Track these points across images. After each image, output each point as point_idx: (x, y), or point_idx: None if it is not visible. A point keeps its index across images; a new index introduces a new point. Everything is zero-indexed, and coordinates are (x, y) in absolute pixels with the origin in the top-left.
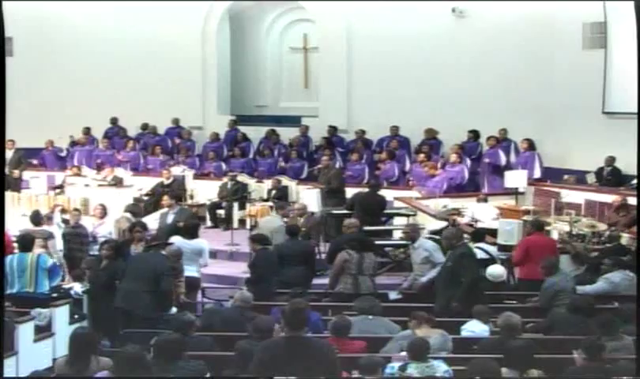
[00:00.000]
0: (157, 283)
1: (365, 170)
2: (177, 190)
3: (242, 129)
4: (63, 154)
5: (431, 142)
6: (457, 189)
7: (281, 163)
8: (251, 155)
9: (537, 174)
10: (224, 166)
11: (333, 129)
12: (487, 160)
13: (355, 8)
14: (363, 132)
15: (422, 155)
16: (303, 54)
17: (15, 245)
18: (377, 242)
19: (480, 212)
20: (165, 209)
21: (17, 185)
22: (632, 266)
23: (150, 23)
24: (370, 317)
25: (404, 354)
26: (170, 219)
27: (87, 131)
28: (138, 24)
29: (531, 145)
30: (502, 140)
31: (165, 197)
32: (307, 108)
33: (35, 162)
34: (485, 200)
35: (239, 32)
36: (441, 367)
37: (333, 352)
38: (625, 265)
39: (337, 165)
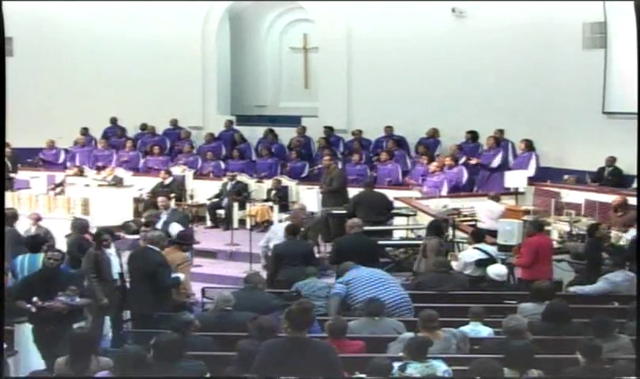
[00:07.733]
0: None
1: (366, 171)
2: (176, 190)
3: (242, 129)
4: (60, 160)
5: (429, 141)
6: (454, 190)
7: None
8: (250, 157)
9: (531, 172)
10: (222, 165)
11: (329, 130)
12: (475, 161)
13: (355, 8)
14: (360, 132)
15: (424, 156)
16: (303, 54)
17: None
18: (378, 242)
19: (488, 208)
20: (157, 210)
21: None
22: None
23: (150, 23)
24: (377, 318)
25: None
26: (163, 219)
27: (85, 131)
28: (138, 24)
29: (529, 146)
30: (500, 141)
31: (161, 198)
32: (307, 108)
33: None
34: (497, 199)
35: (239, 32)
36: (441, 367)
37: (335, 353)
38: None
39: (338, 165)
